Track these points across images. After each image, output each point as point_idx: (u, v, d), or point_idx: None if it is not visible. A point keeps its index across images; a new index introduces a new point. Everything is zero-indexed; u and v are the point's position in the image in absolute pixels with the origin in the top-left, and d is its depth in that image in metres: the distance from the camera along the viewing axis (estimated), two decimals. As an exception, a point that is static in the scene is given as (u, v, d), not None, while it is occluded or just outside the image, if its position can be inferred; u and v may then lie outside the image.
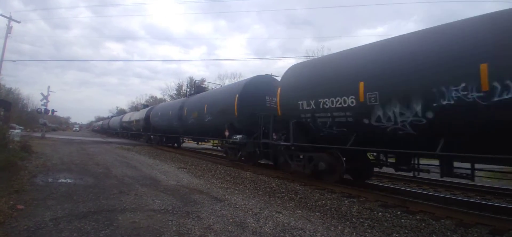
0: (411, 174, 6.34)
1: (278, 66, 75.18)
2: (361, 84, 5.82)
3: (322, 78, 6.92)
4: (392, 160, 6.65)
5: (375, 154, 7.16)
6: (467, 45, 4.59)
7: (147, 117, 22.77)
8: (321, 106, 6.69)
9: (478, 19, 4.80)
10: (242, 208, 4.80)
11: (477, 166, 5.31)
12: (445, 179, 6.63)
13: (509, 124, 4.15)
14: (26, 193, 4.86)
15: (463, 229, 4.13)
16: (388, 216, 4.70)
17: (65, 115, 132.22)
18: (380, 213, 4.84)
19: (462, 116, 4.58)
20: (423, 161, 6.17)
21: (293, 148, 7.78)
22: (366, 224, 4.28)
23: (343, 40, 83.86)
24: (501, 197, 6.81)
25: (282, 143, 8.13)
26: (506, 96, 4.08)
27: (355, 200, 5.72)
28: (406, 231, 4.04)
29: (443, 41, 4.97)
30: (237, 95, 10.50)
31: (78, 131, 65.00)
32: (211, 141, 15.90)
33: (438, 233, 4.01)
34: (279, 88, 8.26)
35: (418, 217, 4.69)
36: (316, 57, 8.34)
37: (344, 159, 6.80)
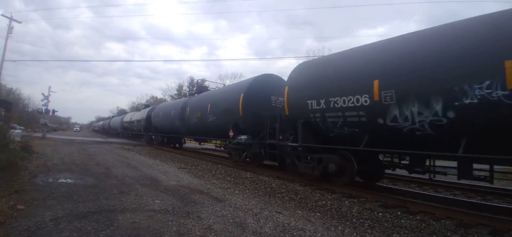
0: (426, 177, 6.07)
1: (279, 67, 75.38)
2: (376, 82, 5.57)
3: (333, 77, 6.65)
4: (405, 162, 6.37)
5: (388, 155, 6.82)
6: (490, 42, 4.35)
7: (148, 118, 22.63)
8: (331, 106, 6.44)
9: (500, 14, 4.58)
10: (242, 208, 4.80)
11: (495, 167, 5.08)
12: (445, 179, 6.64)
13: None
14: (26, 193, 4.87)
15: (463, 230, 4.12)
16: (388, 216, 4.70)
17: (66, 116, 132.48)
18: (380, 214, 4.84)
19: (485, 115, 4.34)
20: (438, 163, 5.95)
21: (300, 148, 7.57)
22: (367, 225, 4.27)
23: (343, 41, 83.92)
24: (501, 198, 6.81)
25: (289, 144, 7.88)
26: None
27: (355, 201, 5.72)
28: (406, 232, 4.04)
29: (465, 37, 4.71)
30: (242, 95, 10.27)
31: (78, 131, 65.05)
32: (214, 142, 15.65)
33: (438, 233, 4.01)
34: (287, 88, 8.02)
35: (418, 217, 4.69)
36: (326, 55, 8.02)
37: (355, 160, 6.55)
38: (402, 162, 6.47)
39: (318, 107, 6.78)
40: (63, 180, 6.25)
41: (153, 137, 22.12)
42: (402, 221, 4.49)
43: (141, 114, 25.98)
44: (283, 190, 6.48)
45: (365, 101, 5.76)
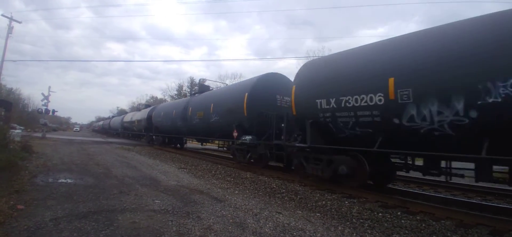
0: (443, 179, 5.78)
1: (279, 67, 75.40)
2: (391, 80, 5.31)
3: (345, 75, 6.35)
4: (419, 163, 6.05)
5: (399, 156, 6.45)
6: None
7: (149, 117, 22.46)
8: (343, 105, 6.16)
9: None
10: (242, 208, 4.80)
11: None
12: (444, 179, 6.61)
13: None
14: (26, 193, 4.87)
15: (464, 230, 4.12)
16: (388, 216, 4.70)
17: (66, 116, 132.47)
18: (380, 214, 4.84)
19: (510, 115, 4.15)
20: (453, 164, 5.65)
21: (308, 150, 7.32)
22: (366, 225, 4.27)
23: (344, 41, 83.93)
24: (502, 198, 6.81)
25: (297, 145, 7.56)
26: None
27: (355, 201, 5.72)
28: (406, 232, 4.04)
29: (487, 33, 4.49)
30: (246, 94, 10.00)
31: (78, 131, 65.00)
32: (216, 142, 15.33)
33: (438, 233, 4.01)
34: (294, 87, 7.75)
35: (418, 217, 4.69)
36: (335, 52, 7.72)
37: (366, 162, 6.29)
38: (416, 163, 6.19)
39: (328, 107, 6.51)
40: (63, 180, 6.25)
41: (154, 137, 21.96)
42: (402, 221, 4.49)
43: (141, 114, 25.81)
44: (283, 190, 6.48)
45: (380, 100, 5.50)
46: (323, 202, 5.55)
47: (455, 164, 5.56)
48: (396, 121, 5.34)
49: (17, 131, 17.20)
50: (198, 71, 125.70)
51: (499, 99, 4.16)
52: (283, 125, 8.64)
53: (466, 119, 4.51)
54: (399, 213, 4.92)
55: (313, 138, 7.00)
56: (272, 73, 11.15)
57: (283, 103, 10.27)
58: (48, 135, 25.51)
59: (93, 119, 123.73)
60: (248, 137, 9.88)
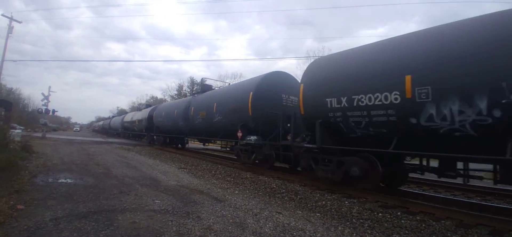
0: (460, 181, 5.61)
1: (279, 67, 75.46)
2: (408, 78, 5.06)
3: (357, 72, 6.08)
4: (434, 165, 5.81)
5: (412, 157, 6.29)
6: None
7: (150, 117, 22.30)
8: (355, 104, 5.90)
9: None
10: (242, 208, 4.80)
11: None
12: (445, 179, 6.60)
13: None
14: (26, 193, 4.87)
15: (463, 230, 4.12)
16: (388, 216, 4.70)
17: (66, 116, 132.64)
18: (380, 214, 4.84)
19: None
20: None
21: (316, 150, 7.07)
22: (366, 225, 4.27)
23: (344, 41, 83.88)
24: (502, 198, 6.81)
25: (306, 145, 7.28)
26: None
27: (355, 201, 5.72)
28: (406, 232, 4.04)
29: None
30: (251, 93, 9.74)
31: (78, 131, 65.04)
32: (219, 142, 15.07)
33: (438, 233, 4.01)
34: (302, 85, 7.46)
35: (418, 217, 4.69)
36: (347, 49, 7.29)
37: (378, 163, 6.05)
38: (431, 165, 5.93)
39: (339, 106, 6.25)
40: (63, 180, 6.25)
41: (155, 137, 21.82)
42: (402, 221, 4.49)
43: (142, 114, 25.65)
44: (283, 190, 6.48)
45: (395, 99, 5.24)
46: (323, 202, 5.55)
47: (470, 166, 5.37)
48: (413, 120, 5.09)
49: (17, 130, 17.21)
50: (198, 71, 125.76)
51: None
52: (289, 124, 8.46)
53: (489, 118, 4.29)
54: (399, 213, 4.92)
55: (323, 138, 6.71)
56: (277, 71, 10.85)
57: (288, 102, 10.07)
58: (48, 135, 25.52)
59: (93, 119, 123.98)
60: (253, 137, 9.66)
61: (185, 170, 9.12)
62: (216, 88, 15.92)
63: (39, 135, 23.43)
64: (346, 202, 5.60)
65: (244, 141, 10.06)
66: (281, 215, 4.52)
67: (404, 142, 5.44)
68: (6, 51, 23.92)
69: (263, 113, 9.37)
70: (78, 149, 14.57)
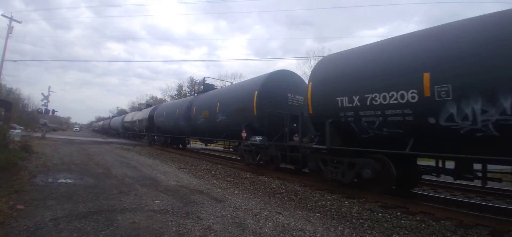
0: (478, 184, 5.43)
1: (279, 67, 75.23)
2: (426, 75, 4.82)
3: (371, 70, 5.84)
4: (450, 167, 5.58)
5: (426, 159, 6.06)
6: None
7: (151, 117, 22.12)
8: (368, 103, 5.66)
9: None
10: (242, 208, 4.80)
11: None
12: (444, 179, 6.61)
13: None
14: (26, 193, 4.87)
15: (463, 230, 4.12)
16: (388, 216, 4.70)
17: (66, 116, 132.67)
18: (380, 214, 4.84)
19: None
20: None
21: (325, 151, 6.83)
22: (366, 225, 4.27)
23: (344, 41, 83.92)
24: (501, 198, 6.81)
25: (315, 146, 7.02)
26: None
27: (355, 201, 5.72)
28: (406, 232, 4.04)
29: None
30: (256, 92, 9.51)
31: (78, 131, 65.08)
32: (222, 143, 14.74)
33: (438, 234, 4.01)
34: (310, 84, 7.20)
35: (418, 218, 4.68)
36: (359, 46, 6.94)
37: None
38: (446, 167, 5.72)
39: (350, 105, 6.01)
40: (63, 180, 6.25)
41: (155, 137, 21.65)
42: (402, 221, 4.49)
43: (143, 114, 25.46)
44: (283, 191, 6.47)
45: (413, 97, 5.01)
46: (323, 202, 5.55)
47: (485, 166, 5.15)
48: (431, 120, 4.85)
49: (17, 130, 17.21)
50: (198, 71, 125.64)
51: None
52: (295, 125, 8.30)
53: None
54: (399, 213, 4.92)
55: (333, 139, 6.49)
56: (282, 70, 10.61)
57: (294, 102, 9.88)
58: (48, 135, 25.51)
59: (93, 119, 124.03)
60: (258, 138, 9.41)
61: (185, 170, 9.12)
62: (219, 87, 15.70)
63: (39, 135, 23.41)
64: (346, 202, 5.59)
65: (249, 141, 9.83)
66: (281, 215, 4.52)
67: (421, 142, 5.20)
68: (6, 51, 23.95)
69: (269, 113, 9.10)
70: (78, 149, 14.57)
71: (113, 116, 54.99)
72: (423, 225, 4.31)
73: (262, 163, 9.79)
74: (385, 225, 4.31)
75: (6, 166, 6.39)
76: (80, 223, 3.57)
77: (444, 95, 4.64)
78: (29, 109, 60.11)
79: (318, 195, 6.15)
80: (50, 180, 6.19)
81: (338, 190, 6.56)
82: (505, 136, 4.23)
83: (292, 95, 9.91)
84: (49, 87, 27.39)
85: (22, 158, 8.55)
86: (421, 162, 6.54)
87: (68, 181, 6.23)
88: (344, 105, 6.14)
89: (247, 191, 6.38)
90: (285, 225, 4.03)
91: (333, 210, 5.03)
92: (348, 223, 4.33)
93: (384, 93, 5.43)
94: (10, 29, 23.77)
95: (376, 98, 5.56)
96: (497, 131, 4.26)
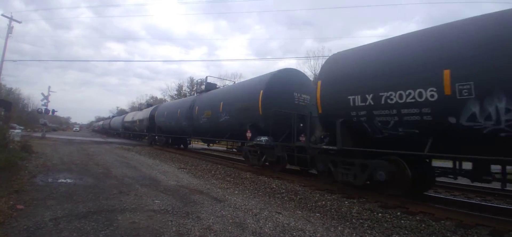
0: (498, 186, 5.25)
1: (279, 67, 75.13)
2: (447, 72, 4.59)
3: (386, 67, 5.59)
4: (467, 168, 5.37)
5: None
6: None
7: (152, 117, 21.93)
8: (382, 102, 5.44)
9: None
10: (242, 208, 4.80)
11: None
12: (445, 179, 6.60)
13: None
14: (26, 193, 4.86)
15: (463, 230, 4.12)
16: (388, 216, 4.70)
17: (65, 116, 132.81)
18: (380, 214, 4.84)
19: None
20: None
21: (333, 152, 6.63)
22: (366, 225, 4.27)
23: (343, 41, 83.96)
24: (501, 198, 6.81)
25: (325, 147, 6.78)
26: None
27: (355, 201, 5.72)
28: (406, 232, 4.04)
29: None
30: (261, 91, 9.27)
31: (78, 131, 65.03)
32: (224, 143, 14.62)
33: (438, 234, 4.01)
34: (319, 82, 6.94)
35: (418, 218, 4.69)
36: (373, 42, 6.80)
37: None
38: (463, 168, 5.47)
39: (363, 104, 5.78)
40: (63, 180, 6.24)
41: (156, 137, 21.51)
42: (402, 221, 4.49)
43: (143, 114, 25.30)
44: (283, 191, 6.48)
45: (431, 96, 4.77)
46: (323, 202, 5.55)
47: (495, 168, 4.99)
48: (452, 120, 4.62)
49: (16, 130, 17.18)
50: (198, 71, 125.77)
51: None
52: (302, 124, 8.11)
53: None
54: (398, 213, 4.92)
55: (344, 139, 6.27)
56: (288, 68, 10.41)
57: (301, 101, 9.66)
58: (47, 135, 25.51)
59: (93, 119, 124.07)
60: (264, 138, 9.16)
61: (184, 170, 9.12)
62: (221, 87, 15.52)
63: (39, 134, 23.41)
64: (346, 202, 5.60)
65: (254, 142, 9.57)
66: (280, 215, 4.52)
67: (439, 143, 4.98)
68: (6, 51, 23.94)
69: (275, 113, 8.84)
70: (78, 149, 14.57)
71: (113, 116, 54.97)
72: (423, 225, 4.31)
73: (267, 164, 9.55)
74: (385, 225, 4.31)
75: (6, 166, 6.39)
76: (80, 223, 3.56)
77: (466, 94, 4.41)
78: (29, 109, 60.23)
79: (318, 195, 6.15)
80: (50, 180, 6.19)
81: (338, 190, 6.56)
82: None
83: (298, 94, 9.69)
84: (49, 87, 27.44)
85: (22, 157, 8.55)
86: (436, 163, 6.35)
87: (68, 181, 6.23)
88: (356, 104, 5.92)
89: (247, 191, 6.38)
90: (285, 225, 4.03)
91: (333, 210, 5.03)
92: (348, 223, 4.33)
93: (400, 91, 5.20)
94: (10, 29, 23.77)
95: (392, 97, 5.32)
96: None
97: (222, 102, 11.65)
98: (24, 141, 12.04)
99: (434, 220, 4.57)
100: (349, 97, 6.06)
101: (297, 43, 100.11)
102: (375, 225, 4.30)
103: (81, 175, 7.04)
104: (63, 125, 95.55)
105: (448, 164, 5.75)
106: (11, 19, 23.90)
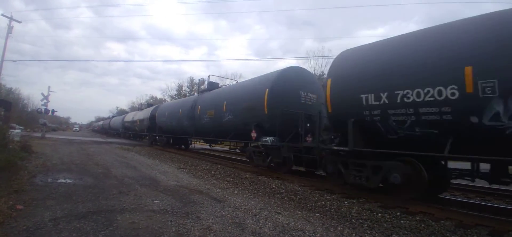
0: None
1: (279, 67, 75.14)
2: (468, 69, 4.37)
3: (402, 63, 5.34)
4: (485, 170, 5.23)
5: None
6: None
7: (152, 117, 21.78)
8: (398, 101, 5.20)
9: None
10: (241, 208, 4.80)
11: None
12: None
13: None
14: (25, 193, 4.86)
15: (463, 230, 4.12)
16: (388, 216, 4.70)
17: (65, 116, 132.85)
18: (379, 214, 4.84)
19: None
20: None
21: (344, 153, 6.43)
22: (366, 225, 4.28)
23: (343, 41, 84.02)
24: (501, 198, 6.81)
25: (335, 148, 6.56)
26: None
27: (354, 201, 5.72)
28: (406, 232, 4.04)
29: None
30: (267, 90, 9.04)
31: (78, 131, 65.05)
32: (227, 143, 14.34)
33: (437, 234, 4.01)
34: (329, 80, 6.70)
35: (417, 218, 4.69)
36: (386, 38, 6.45)
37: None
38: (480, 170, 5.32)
39: (377, 102, 5.54)
40: (62, 180, 6.24)
41: (157, 137, 21.37)
42: (402, 221, 4.49)
43: (144, 114, 25.11)
44: (283, 191, 6.48)
45: (452, 94, 4.55)
46: (323, 202, 5.55)
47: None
48: (474, 119, 4.40)
49: (16, 130, 17.18)
50: (198, 71, 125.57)
51: None
52: (308, 124, 7.98)
53: None
54: (398, 213, 4.92)
55: (356, 140, 6.05)
56: (294, 67, 10.21)
57: (307, 100, 9.41)
58: (47, 135, 25.51)
59: (93, 119, 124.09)
60: (269, 138, 8.91)
61: (184, 170, 9.12)
62: (223, 86, 15.34)
63: (39, 134, 23.41)
64: (346, 202, 5.60)
65: (259, 142, 9.34)
66: (280, 215, 4.52)
67: (459, 144, 4.79)
68: (5, 51, 23.94)
69: (281, 112, 8.57)
70: (78, 149, 14.57)
71: (113, 116, 54.94)
72: (423, 225, 4.31)
73: (272, 165, 9.32)
74: (385, 225, 4.31)
75: (5, 166, 6.39)
76: (79, 223, 3.56)
77: (489, 92, 4.18)
78: (29, 109, 60.22)
79: (317, 195, 6.15)
80: (49, 180, 6.19)
81: (338, 190, 6.56)
82: None
83: (305, 93, 9.43)
84: (49, 87, 27.41)
85: (21, 157, 8.55)
86: (452, 164, 6.14)
87: (68, 181, 6.23)
88: (370, 103, 5.69)
89: (247, 191, 6.39)
90: (285, 225, 4.03)
91: (332, 210, 5.03)
92: (347, 223, 4.33)
93: (418, 89, 4.95)
94: (10, 29, 23.77)
95: (408, 95, 5.07)
96: None
97: (225, 102, 11.41)
98: (23, 141, 12.04)
99: (433, 220, 4.57)
100: (361, 95, 5.83)
101: (297, 43, 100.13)
102: (375, 225, 4.30)
103: (80, 175, 7.04)
104: (63, 125, 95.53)
105: (465, 165, 5.57)
106: (11, 19, 23.91)
